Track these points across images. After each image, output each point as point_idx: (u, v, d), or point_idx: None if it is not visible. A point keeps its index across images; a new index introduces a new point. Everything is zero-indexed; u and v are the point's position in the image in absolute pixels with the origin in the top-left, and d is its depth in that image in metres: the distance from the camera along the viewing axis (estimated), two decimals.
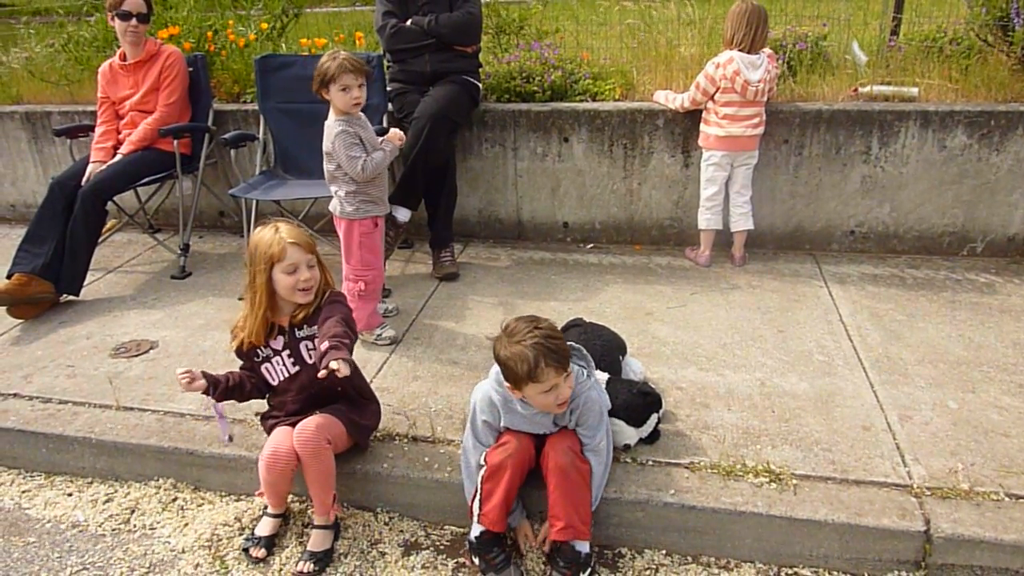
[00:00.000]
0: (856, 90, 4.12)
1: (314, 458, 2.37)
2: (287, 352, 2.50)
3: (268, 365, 2.53)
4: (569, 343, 2.28)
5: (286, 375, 2.53)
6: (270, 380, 2.56)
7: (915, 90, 4.04)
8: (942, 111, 3.86)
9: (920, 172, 3.98)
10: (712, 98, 3.85)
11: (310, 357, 2.49)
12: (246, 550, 2.45)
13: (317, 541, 2.43)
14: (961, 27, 4.51)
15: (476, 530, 2.33)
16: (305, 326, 2.48)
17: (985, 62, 4.20)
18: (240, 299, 3.86)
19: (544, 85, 4.40)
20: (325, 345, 2.24)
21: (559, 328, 2.28)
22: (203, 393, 2.44)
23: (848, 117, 3.95)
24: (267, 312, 2.43)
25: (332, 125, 3.17)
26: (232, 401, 2.60)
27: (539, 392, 2.14)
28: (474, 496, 2.33)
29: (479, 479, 2.32)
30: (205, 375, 2.44)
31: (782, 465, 2.46)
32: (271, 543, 2.48)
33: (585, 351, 2.42)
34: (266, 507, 2.55)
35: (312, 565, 2.38)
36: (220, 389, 2.48)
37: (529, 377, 2.10)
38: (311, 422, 2.41)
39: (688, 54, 4.70)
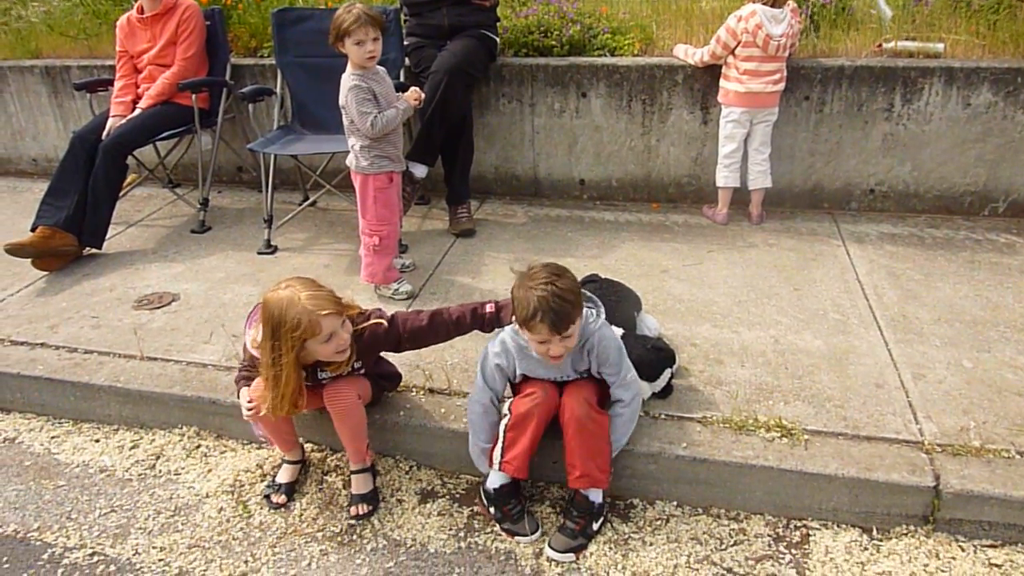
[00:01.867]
0: (880, 46, 4.05)
1: (347, 414, 2.42)
2: (308, 382, 2.40)
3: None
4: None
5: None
6: None
7: (941, 46, 3.97)
8: (967, 68, 3.79)
9: (943, 130, 3.93)
10: (733, 52, 3.80)
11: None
12: (267, 496, 2.53)
13: (360, 484, 2.50)
14: None
15: (494, 480, 2.38)
16: (329, 370, 2.40)
17: (1014, 18, 4.11)
18: (260, 254, 3.92)
19: (562, 39, 4.35)
20: (490, 307, 2.44)
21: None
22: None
23: (871, 73, 3.89)
24: (296, 388, 2.26)
25: (347, 79, 3.17)
26: None
27: (534, 340, 2.19)
28: (494, 444, 2.37)
29: (503, 427, 2.35)
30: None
31: (794, 421, 2.49)
32: (291, 489, 2.56)
33: (594, 297, 2.44)
34: (284, 456, 2.62)
35: (366, 506, 2.46)
36: None
37: (525, 324, 2.15)
38: (341, 380, 2.42)
39: (709, 8, 4.62)
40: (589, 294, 2.44)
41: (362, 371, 2.49)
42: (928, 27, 4.17)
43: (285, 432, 2.56)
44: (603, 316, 2.37)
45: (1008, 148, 3.89)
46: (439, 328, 2.48)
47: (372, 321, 2.42)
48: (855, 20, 4.38)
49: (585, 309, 2.31)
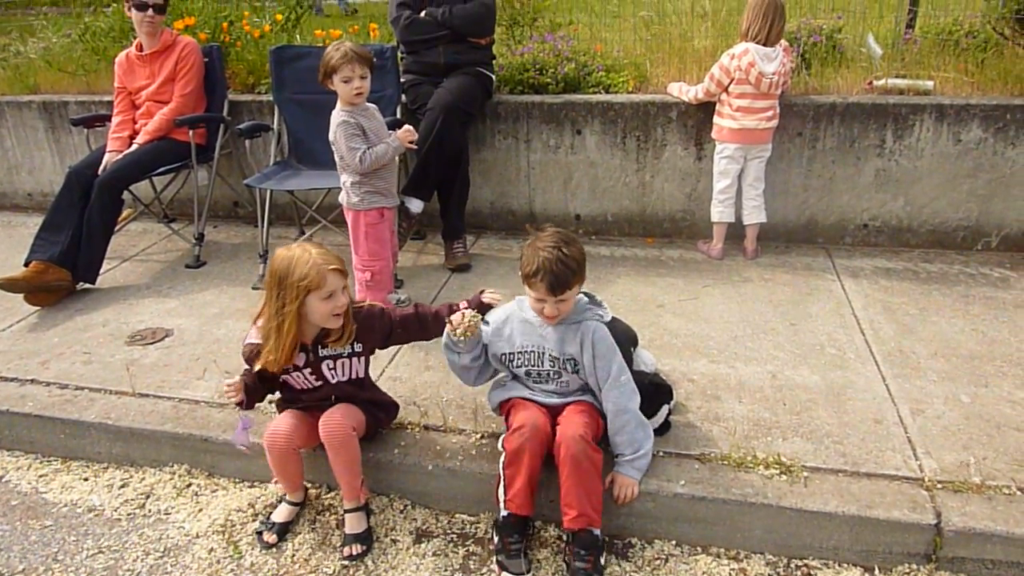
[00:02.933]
0: (871, 83, 4.10)
1: (342, 446, 2.40)
2: (308, 370, 2.45)
3: (288, 377, 2.49)
4: (589, 293, 2.43)
5: (308, 387, 2.51)
6: (293, 386, 2.52)
7: (930, 83, 4.02)
8: (957, 104, 3.84)
9: (935, 166, 3.96)
10: (726, 90, 3.84)
11: (332, 376, 2.48)
12: (259, 533, 2.48)
13: (354, 523, 2.46)
14: (977, 20, 4.48)
15: (503, 512, 2.35)
16: (330, 346, 2.43)
17: (1001, 55, 4.18)
18: (254, 288, 3.91)
19: (557, 77, 4.40)
20: (463, 303, 2.52)
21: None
22: (238, 405, 2.47)
23: (862, 110, 3.94)
24: (296, 339, 2.33)
25: (336, 115, 3.20)
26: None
27: (531, 296, 2.32)
28: (498, 483, 2.36)
29: (500, 465, 2.34)
30: (245, 386, 2.43)
31: (793, 457, 2.47)
32: (285, 529, 2.51)
33: (599, 298, 2.49)
34: (284, 494, 2.58)
35: (359, 546, 2.42)
36: (251, 399, 2.47)
37: (526, 279, 2.28)
38: (336, 411, 2.44)
39: (702, 47, 4.69)
40: (600, 300, 2.46)
41: (362, 354, 2.51)
42: (917, 65, 4.23)
43: (293, 467, 2.51)
44: (607, 318, 2.41)
45: (999, 183, 3.92)
46: (424, 319, 2.56)
47: (368, 302, 2.56)
48: (846, 58, 4.44)
49: (592, 303, 2.41)
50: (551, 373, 2.42)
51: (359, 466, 2.47)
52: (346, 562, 2.39)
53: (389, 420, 2.70)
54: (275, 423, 2.48)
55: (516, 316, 2.45)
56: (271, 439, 2.44)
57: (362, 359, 2.53)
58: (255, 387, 2.45)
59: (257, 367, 2.39)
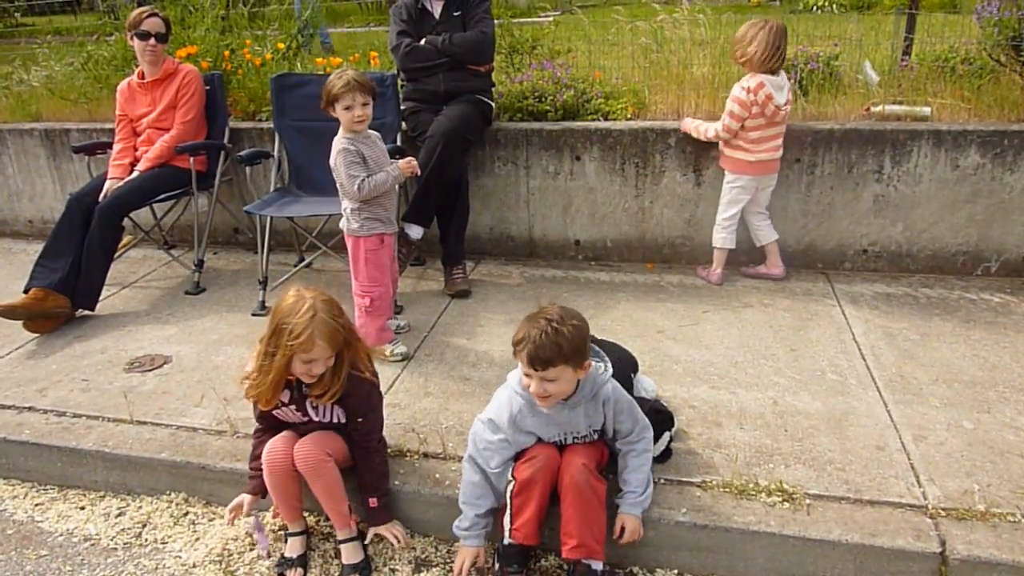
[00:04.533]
0: (868, 109, 4.13)
1: (316, 473, 2.39)
2: (294, 407, 2.47)
3: (277, 412, 2.51)
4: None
5: (295, 421, 2.52)
6: (279, 418, 2.54)
7: (927, 109, 4.05)
8: (954, 130, 3.86)
9: (933, 191, 3.97)
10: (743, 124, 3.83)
11: (315, 415, 2.48)
12: (282, 575, 2.45)
13: (350, 554, 2.44)
14: (973, 47, 4.52)
15: (507, 540, 2.33)
16: (310, 392, 2.42)
17: (998, 82, 4.21)
18: (254, 315, 3.90)
19: (556, 104, 4.43)
20: (373, 502, 2.47)
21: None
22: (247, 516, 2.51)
23: (860, 136, 3.96)
24: (278, 384, 2.35)
25: (337, 142, 3.22)
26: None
27: (521, 370, 2.23)
28: (503, 512, 2.33)
29: (508, 494, 2.31)
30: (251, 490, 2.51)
31: (795, 484, 2.45)
32: (305, 561, 2.48)
33: (602, 351, 2.43)
34: (287, 528, 2.54)
35: None
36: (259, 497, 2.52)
37: (513, 347, 2.20)
38: (307, 438, 2.45)
39: (700, 74, 4.72)
40: (599, 349, 2.43)
41: (342, 420, 2.49)
42: (914, 91, 4.26)
43: (293, 489, 2.48)
44: (611, 371, 2.35)
45: (998, 209, 3.93)
46: (363, 462, 2.52)
47: (367, 375, 2.46)
48: (843, 85, 4.48)
49: (595, 360, 2.30)
50: (575, 439, 2.40)
51: (341, 491, 2.45)
52: None
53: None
54: (271, 443, 2.46)
55: (526, 408, 2.33)
56: (270, 457, 2.42)
57: (338, 408, 2.49)
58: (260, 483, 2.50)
59: (244, 393, 2.42)
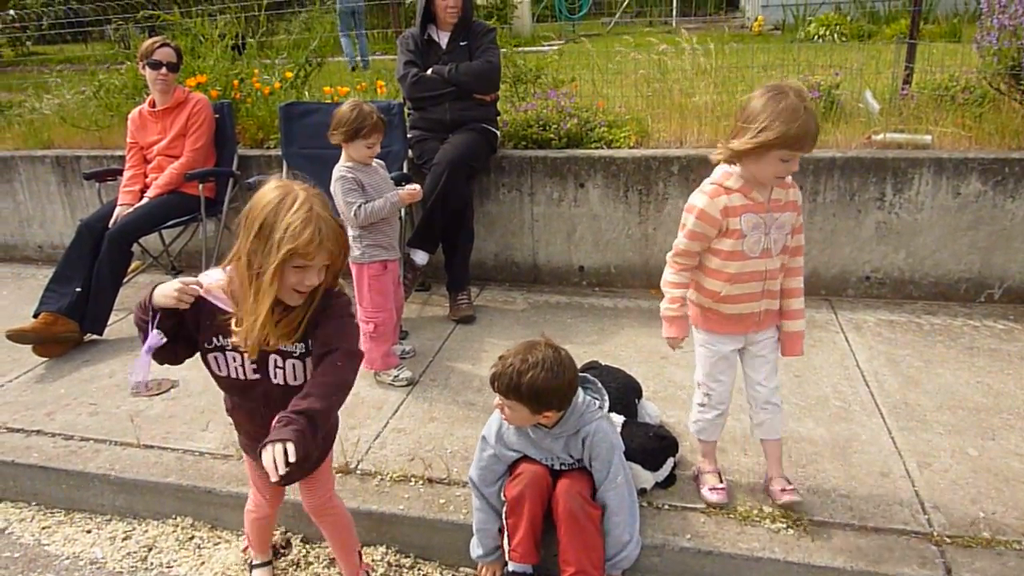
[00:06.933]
0: (869, 138, 4.17)
1: (332, 523, 2.33)
2: (251, 359, 1.97)
3: (218, 355, 2.01)
4: (582, 375, 2.35)
5: (239, 377, 2.01)
6: (214, 370, 2.05)
7: (928, 137, 4.09)
8: (955, 158, 3.90)
9: (935, 218, 4.00)
10: None
11: (275, 375, 1.99)
12: None
13: None
14: (973, 76, 4.57)
15: (509, 565, 2.34)
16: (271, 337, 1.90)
17: (998, 110, 4.25)
18: None
19: (560, 132, 4.48)
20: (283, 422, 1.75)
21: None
22: (155, 325, 1.93)
23: (862, 164, 4.00)
24: (267, 317, 1.84)
25: (337, 169, 3.27)
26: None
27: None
28: (502, 535, 2.35)
29: (503, 515, 2.34)
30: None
31: (799, 511, 2.45)
32: None
33: (599, 384, 2.43)
34: (251, 561, 2.51)
35: None
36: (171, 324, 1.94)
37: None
38: (313, 486, 2.25)
39: (702, 102, 4.78)
40: (592, 379, 2.44)
41: (308, 355, 1.97)
42: (915, 119, 4.30)
43: (268, 538, 2.47)
44: (606, 408, 2.36)
45: (1000, 236, 3.95)
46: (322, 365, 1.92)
47: (343, 297, 2.03)
48: (844, 113, 4.53)
49: (587, 396, 2.31)
50: (561, 465, 2.40)
51: (354, 535, 2.39)
52: None
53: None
54: (256, 507, 2.38)
55: (510, 428, 2.36)
56: (255, 516, 2.38)
57: (308, 362, 1.98)
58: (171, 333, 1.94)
59: (233, 340, 1.92)
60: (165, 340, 1.93)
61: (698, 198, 2.33)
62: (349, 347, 1.95)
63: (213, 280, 1.94)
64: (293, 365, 1.98)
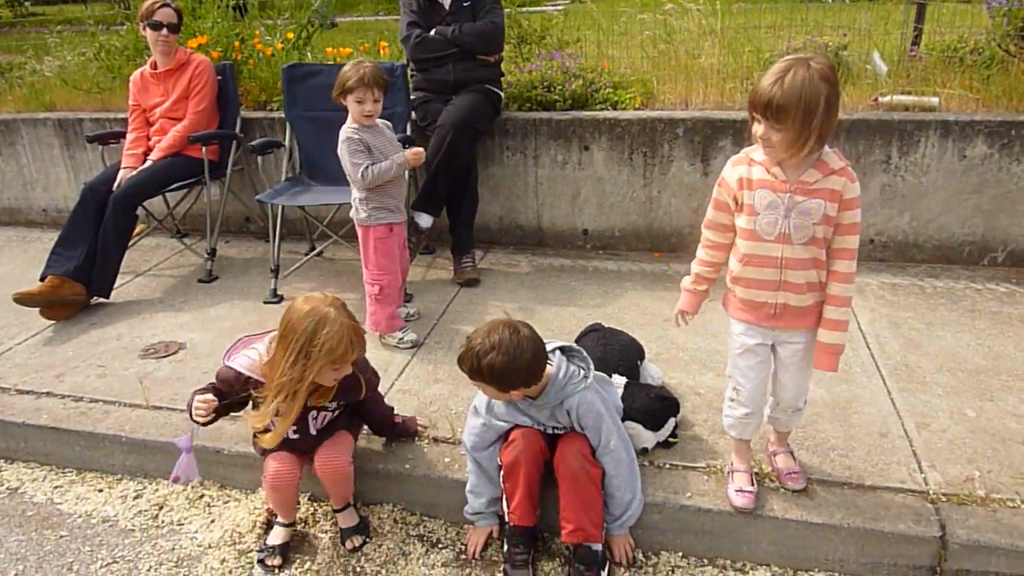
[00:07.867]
0: (876, 100, 4.14)
1: (341, 481, 2.49)
2: (294, 427, 2.40)
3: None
4: (566, 344, 2.38)
5: (284, 438, 2.40)
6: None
7: (935, 100, 4.05)
8: (962, 121, 3.87)
9: (940, 182, 3.99)
10: None
11: (313, 427, 2.46)
12: (261, 560, 2.48)
13: (347, 518, 2.55)
14: (982, 38, 4.51)
15: (508, 523, 2.40)
16: (311, 400, 2.35)
17: (1006, 72, 4.20)
18: (267, 303, 3.95)
19: (565, 94, 4.45)
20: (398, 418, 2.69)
21: (575, 338, 2.31)
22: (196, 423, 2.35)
23: (868, 126, 3.97)
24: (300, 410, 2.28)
25: (343, 130, 3.26)
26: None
27: None
28: (502, 496, 2.41)
29: (500, 479, 2.40)
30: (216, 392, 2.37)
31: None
32: (286, 549, 2.51)
33: (585, 353, 2.43)
34: (275, 516, 2.58)
35: (359, 537, 2.52)
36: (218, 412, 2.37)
37: None
38: (333, 449, 2.47)
39: (708, 64, 4.73)
40: (577, 347, 2.44)
41: (343, 410, 2.53)
42: (923, 82, 4.26)
43: (293, 498, 2.54)
44: (591, 379, 2.32)
45: (1005, 199, 3.94)
46: (377, 413, 2.68)
47: (368, 374, 2.53)
48: (851, 75, 4.48)
49: (572, 366, 2.33)
50: (554, 429, 2.43)
51: (352, 489, 2.56)
52: (352, 554, 2.49)
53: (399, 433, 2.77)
54: (274, 466, 2.43)
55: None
56: (275, 482, 2.43)
57: (343, 413, 2.54)
58: (217, 413, 2.37)
59: (257, 443, 2.44)
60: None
61: (726, 164, 2.28)
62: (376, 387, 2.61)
63: (247, 363, 2.33)
64: (324, 416, 2.47)
